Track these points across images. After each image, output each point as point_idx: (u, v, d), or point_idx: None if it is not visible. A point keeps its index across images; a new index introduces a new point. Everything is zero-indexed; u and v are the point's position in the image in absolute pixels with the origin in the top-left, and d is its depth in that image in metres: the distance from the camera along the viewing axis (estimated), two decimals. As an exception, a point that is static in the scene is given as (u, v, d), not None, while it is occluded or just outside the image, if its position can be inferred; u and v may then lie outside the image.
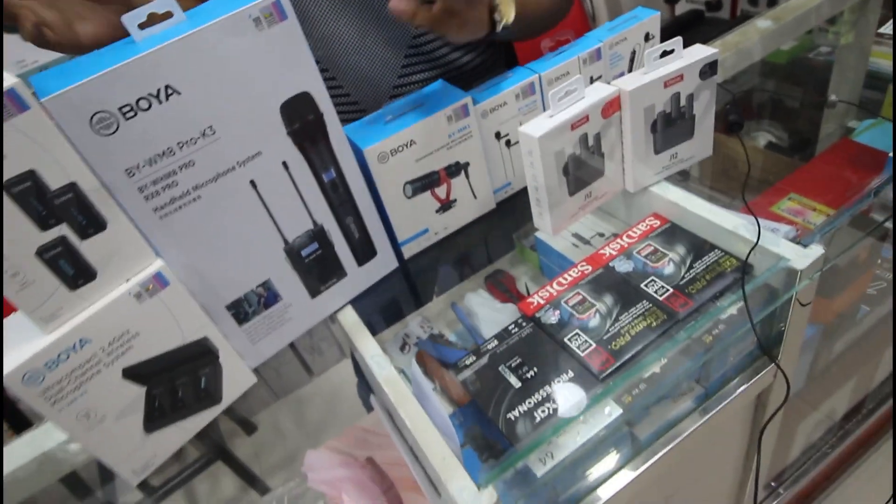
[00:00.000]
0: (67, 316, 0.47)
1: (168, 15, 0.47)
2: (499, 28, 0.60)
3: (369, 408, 0.86)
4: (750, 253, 0.58)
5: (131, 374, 0.51)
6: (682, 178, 1.05)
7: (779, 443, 0.88)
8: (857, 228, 0.80)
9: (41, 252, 0.44)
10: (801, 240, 0.59)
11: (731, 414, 0.67)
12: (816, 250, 0.57)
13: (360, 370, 0.91)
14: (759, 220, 0.67)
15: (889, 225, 0.84)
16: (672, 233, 0.67)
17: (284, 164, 0.55)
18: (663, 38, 0.65)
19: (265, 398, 1.95)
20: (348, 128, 0.63)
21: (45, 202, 0.43)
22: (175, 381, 0.54)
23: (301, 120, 0.54)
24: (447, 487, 0.47)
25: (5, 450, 0.68)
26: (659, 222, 0.69)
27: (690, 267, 0.62)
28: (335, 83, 0.75)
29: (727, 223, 0.62)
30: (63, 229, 0.44)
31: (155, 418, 0.54)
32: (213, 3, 0.49)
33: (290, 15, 0.49)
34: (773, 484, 0.99)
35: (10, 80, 0.39)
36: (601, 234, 0.78)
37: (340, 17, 0.69)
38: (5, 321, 0.48)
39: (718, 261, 0.62)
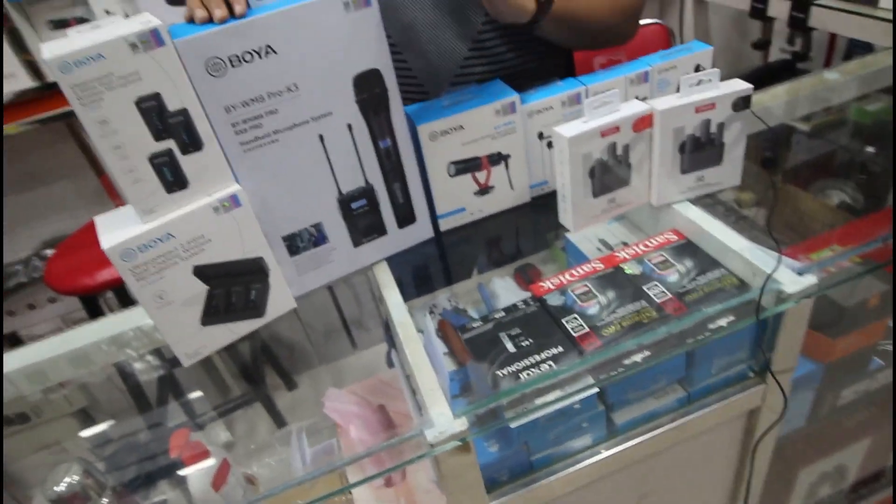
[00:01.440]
0: (161, 213, 0.59)
1: (280, -9, 0.59)
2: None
3: (390, 363, 0.95)
4: (770, 275, 0.61)
5: (199, 272, 0.63)
6: (728, 214, 1.09)
7: (778, 479, 0.89)
8: (882, 281, 0.81)
9: (152, 158, 0.56)
10: (801, 269, 0.63)
11: (717, 423, 0.71)
12: (809, 279, 0.61)
13: (388, 334, 1.01)
14: (785, 259, 0.71)
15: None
16: (685, 248, 0.72)
17: (349, 126, 0.66)
18: (755, 83, 0.69)
19: (310, 361, 2.10)
20: (409, 107, 0.73)
21: (163, 119, 0.55)
22: (231, 287, 0.66)
23: (369, 92, 0.65)
24: (429, 412, 0.56)
25: (101, 322, 0.83)
26: (676, 237, 0.74)
27: (694, 279, 0.67)
28: (405, 65, 0.86)
29: (734, 245, 0.67)
30: (171, 143, 0.57)
31: (210, 314, 0.66)
32: None
33: (373, 3, 0.60)
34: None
35: (154, 21, 0.52)
36: (626, 244, 0.84)
37: (419, 9, 0.80)
38: (117, 210, 0.61)
39: (720, 278, 0.67)
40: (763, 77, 1.70)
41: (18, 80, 1.40)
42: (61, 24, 1.39)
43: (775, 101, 1.10)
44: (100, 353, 0.91)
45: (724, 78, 0.69)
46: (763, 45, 1.58)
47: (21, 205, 1.77)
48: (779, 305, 0.61)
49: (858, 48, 1.54)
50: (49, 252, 1.69)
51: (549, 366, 0.62)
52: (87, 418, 1.63)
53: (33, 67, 1.40)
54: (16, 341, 1.80)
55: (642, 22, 1.56)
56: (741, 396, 0.69)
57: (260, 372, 1.88)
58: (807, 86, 1.07)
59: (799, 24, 1.35)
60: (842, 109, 1.18)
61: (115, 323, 0.85)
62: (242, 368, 1.75)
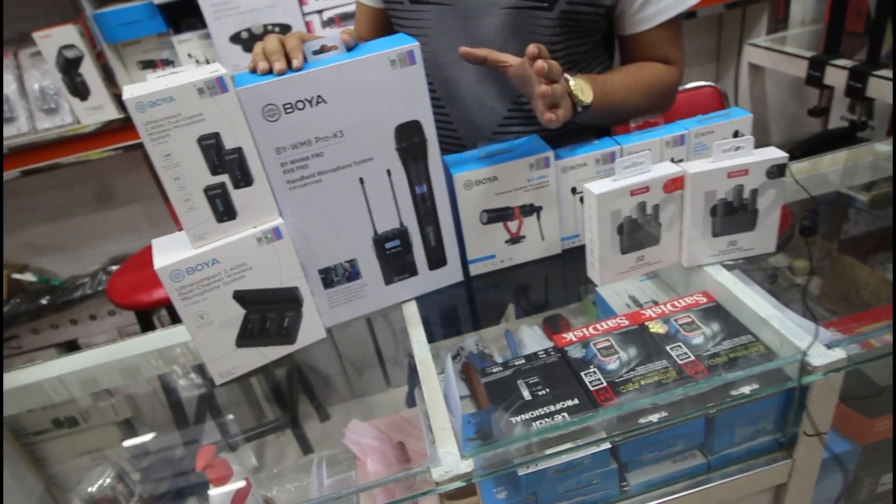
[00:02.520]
0: (210, 240, 0.64)
1: (334, 48, 0.65)
2: (579, 108, 0.71)
3: (410, 403, 0.97)
4: (809, 347, 0.60)
5: (239, 296, 0.68)
6: (771, 280, 1.07)
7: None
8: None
9: (207, 189, 0.62)
10: (830, 342, 0.62)
11: (739, 496, 0.68)
12: (837, 353, 0.59)
13: (411, 374, 1.03)
14: (808, 322, 0.70)
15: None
16: (713, 311, 0.72)
17: (388, 171, 0.70)
18: (808, 150, 0.71)
19: (344, 394, 2.13)
20: (447, 156, 0.77)
21: (220, 156, 0.61)
22: (266, 313, 0.70)
23: (409, 141, 0.69)
24: (438, 450, 0.57)
25: (150, 335, 0.89)
26: (705, 300, 0.74)
27: (719, 343, 0.67)
28: (447, 118, 0.90)
29: (763, 311, 0.66)
30: (225, 178, 0.63)
31: (245, 337, 0.70)
32: (370, 44, 0.67)
33: (418, 62, 0.65)
34: None
35: (222, 71, 0.59)
36: (655, 302, 0.84)
37: (464, 68, 0.85)
38: (173, 235, 0.67)
39: (746, 344, 0.66)
40: (821, 145, 1.66)
41: (106, 112, 1.55)
42: (149, 65, 1.54)
43: (830, 168, 1.09)
44: (148, 366, 0.98)
45: (778, 144, 0.70)
46: (820, 112, 1.56)
47: (95, 223, 1.92)
48: (804, 377, 0.59)
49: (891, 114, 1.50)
50: (114, 268, 1.82)
51: (563, 417, 0.62)
52: (130, 428, 1.71)
53: (120, 101, 1.54)
54: (75, 348, 1.93)
55: (696, 84, 1.58)
56: (766, 470, 0.67)
57: (294, 400, 1.92)
58: (865, 154, 1.05)
59: (856, 94, 1.33)
60: (885, 174, 1.15)
61: (164, 337, 0.91)
62: (278, 395, 1.80)
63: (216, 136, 0.61)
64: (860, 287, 1.16)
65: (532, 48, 0.64)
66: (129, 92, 0.57)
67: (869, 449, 0.75)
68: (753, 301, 0.68)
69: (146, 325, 1.41)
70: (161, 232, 0.64)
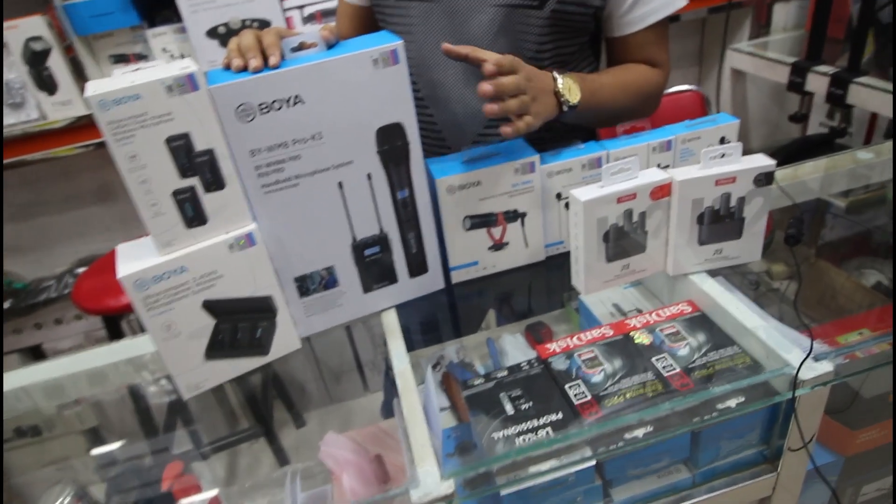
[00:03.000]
0: (178, 246, 0.61)
1: (314, 45, 0.63)
2: (565, 108, 0.70)
3: (386, 413, 0.94)
4: (802, 361, 0.59)
5: (209, 306, 0.64)
6: (753, 286, 1.06)
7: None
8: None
9: (176, 193, 0.59)
10: (817, 355, 0.61)
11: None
12: (825, 366, 0.58)
13: (387, 382, 1.00)
14: (793, 332, 0.69)
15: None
16: (699, 321, 0.70)
17: (369, 175, 0.67)
18: (787, 155, 0.71)
19: (321, 400, 2.09)
20: (430, 160, 0.75)
21: (190, 158, 0.58)
22: (238, 323, 0.67)
23: (390, 144, 0.66)
24: (417, 469, 0.54)
25: (120, 344, 0.85)
26: (690, 309, 0.72)
27: (704, 355, 0.65)
28: (431, 119, 0.88)
29: (749, 322, 0.65)
30: (195, 181, 0.59)
31: (215, 348, 0.67)
32: (352, 42, 0.64)
33: (402, 61, 0.63)
34: None
35: (192, 67, 0.55)
36: (640, 310, 0.83)
37: (450, 67, 0.83)
38: (139, 241, 0.64)
39: (732, 356, 0.65)
40: (800, 150, 1.68)
41: (74, 107, 1.49)
42: (121, 59, 1.49)
43: (811, 175, 1.09)
44: (116, 374, 0.93)
45: (758, 149, 0.69)
46: (801, 118, 1.57)
47: (63, 223, 1.85)
48: (795, 391, 0.58)
49: (892, 124, 1.51)
50: (81, 270, 1.76)
51: (547, 433, 0.60)
52: (97, 438, 1.65)
53: (90, 96, 1.48)
54: (39, 354, 1.85)
55: (679, 88, 1.58)
56: (751, 483, 0.66)
57: (269, 407, 1.87)
58: (847, 162, 1.06)
59: (837, 101, 1.34)
60: (881, 188, 1.16)
61: (132, 347, 0.87)
62: (252, 402, 1.76)
63: (186, 136, 0.57)
64: (836, 292, 1.17)
65: (489, 67, 0.65)
66: (91, 88, 0.54)
67: (851, 460, 0.74)
68: (739, 311, 0.67)
69: (114, 330, 1.36)
70: (133, 233, 0.60)
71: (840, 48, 1.49)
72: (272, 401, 1.95)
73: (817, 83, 1.41)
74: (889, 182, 1.13)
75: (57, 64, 1.44)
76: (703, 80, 1.98)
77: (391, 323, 0.75)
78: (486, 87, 0.65)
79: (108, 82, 0.55)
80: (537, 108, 0.70)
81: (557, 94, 0.73)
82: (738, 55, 1.69)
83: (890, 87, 1.27)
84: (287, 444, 1.87)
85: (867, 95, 1.29)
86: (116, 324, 1.37)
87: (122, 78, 0.55)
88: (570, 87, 0.73)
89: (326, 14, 1.50)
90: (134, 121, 0.55)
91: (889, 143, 1.02)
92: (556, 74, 0.73)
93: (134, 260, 0.60)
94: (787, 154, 1.62)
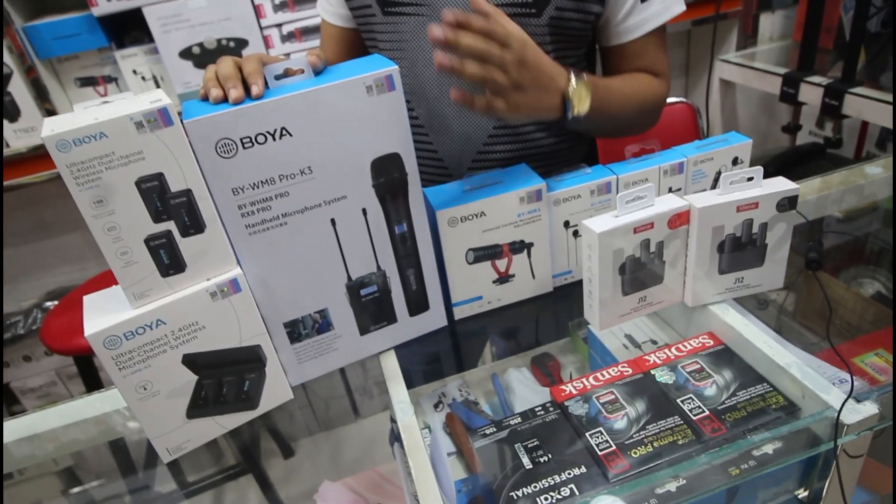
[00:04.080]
0: (153, 297, 0.54)
1: (300, 71, 0.57)
2: (569, 116, 0.65)
3: (393, 441, 0.88)
4: (843, 405, 0.54)
5: (189, 361, 0.58)
6: (761, 307, 1.02)
7: None
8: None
9: (149, 240, 0.52)
10: (857, 395, 0.56)
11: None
12: (869, 408, 0.54)
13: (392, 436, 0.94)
14: (829, 366, 0.64)
15: None
16: (723, 356, 0.66)
17: (364, 210, 0.62)
18: (780, 166, 0.67)
19: (310, 427, 2.01)
20: (429, 190, 0.69)
21: (164, 200, 0.52)
22: (223, 378, 0.60)
23: (387, 176, 0.61)
24: (432, 544, 0.48)
25: (70, 404, 0.77)
26: (712, 342, 0.68)
27: (734, 394, 0.61)
28: (427, 139, 0.83)
29: (780, 359, 0.60)
30: (170, 225, 0.53)
31: (198, 406, 0.60)
32: (342, 67, 0.58)
33: (398, 87, 0.57)
34: None
35: (165, 101, 0.49)
36: (654, 342, 0.78)
37: (446, 84, 0.78)
38: (108, 290, 0.57)
39: (764, 395, 0.60)
40: (792, 161, 1.66)
41: (39, 134, 1.40)
42: (89, 82, 1.41)
43: (822, 192, 1.05)
44: (94, 423, 0.85)
45: (750, 160, 0.65)
46: (793, 129, 1.56)
47: (30, 254, 1.75)
48: (840, 438, 0.53)
49: (892, 134, 1.51)
50: (51, 304, 1.66)
51: (571, 489, 0.54)
52: (73, 477, 1.55)
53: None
54: (7, 394, 1.75)
55: (669, 100, 1.55)
56: (788, 533, 0.61)
57: (255, 437, 1.79)
58: (855, 177, 1.03)
59: (832, 112, 1.33)
60: (874, 199, 1.13)
61: (115, 398, 0.79)
62: (237, 433, 1.67)
63: (159, 177, 0.51)
64: (836, 304, 1.14)
65: (448, 15, 0.57)
66: (48, 127, 0.47)
67: (887, 499, 0.70)
68: (769, 346, 0.62)
69: (87, 370, 1.27)
70: (105, 264, 0.53)
71: (829, 58, 1.48)
72: (258, 430, 1.87)
73: (811, 94, 1.40)
74: (884, 191, 1.10)
75: (18, 89, 1.35)
76: (690, 91, 1.97)
77: (391, 367, 0.69)
78: (435, 31, 0.57)
79: (69, 119, 0.49)
80: (522, 99, 0.63)
81: (565, 97, 0.66)
82: (727, 66, 1.68)
83: (885, 97, 1.25)
84: (275, 476, 1.79)
85: (863, 106, 1.27)
86: (89, 362, 1.28)
87: (85, 114, 0.49)
88: (580, 95, 0.66)
89: (306, 32, 1.45)
90: (99, 162, 0.48)
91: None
92: (573, 75, 0.66)
93: (103, 314, 0.54)
94: (780, 165, 1.60)
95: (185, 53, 1.34)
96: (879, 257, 1.25)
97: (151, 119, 0.49)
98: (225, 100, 0.53)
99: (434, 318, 0.72)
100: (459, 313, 0.74)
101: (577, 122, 0.68)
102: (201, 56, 1.36)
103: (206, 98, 0.54)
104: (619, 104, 0.76)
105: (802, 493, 0.62)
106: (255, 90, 0.53)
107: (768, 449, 0.57)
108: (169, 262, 0.54)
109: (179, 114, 0.51)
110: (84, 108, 0.50)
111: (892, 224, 1.03)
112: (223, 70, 0.54)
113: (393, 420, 0.98)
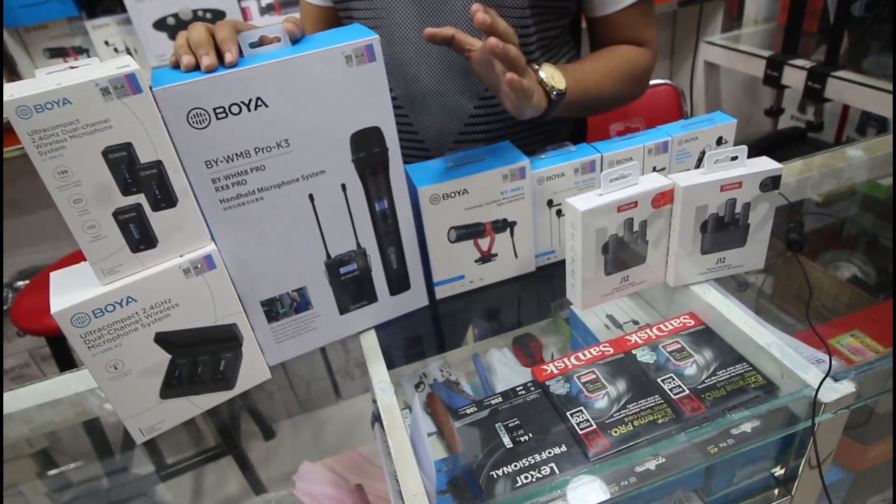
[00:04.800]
0: (123, 274, 0.53)
1: (276, 40, 0.55)
2: (553, 95, 0.65)
3: (375, 421, 0.87)
4: (821, 384, 0.54)
5: (162, 339, 0.56)
6: (741, 288, 1.03)
7: None
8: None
9: (118, 213, 0.50)
10: (836, 374, 0.56)
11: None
12: (847, 386, 0.54)
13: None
14: (806, 347, 0.65)
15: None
16: (703, 335, 0.66)
17: (343, 186, 0.60)
18: (762, 149, 0.66)
19: (291, 409, 2.00)
20: (410, 166, 0.68)
21: (133, 172, 0.49)
22: (198, 357, 0.59)
23: (367, 151, 0.59)
24: (410, 523, 0.48)
25: (45, 383, 0.75)
26: (693, 322, 0.68)
27: (713, 373, 0.61)
28: (407, 120, 0.81)
29: (760, 338, 0.60)
30: (140, 198, 0.51)
31: (172, 386, 0.59)
32: (320, 36, 0.56)
33: (378, 58, 0.55)
34: None
35: (133, 66, 0.47)
36: (636, 322, 0.78)
37: (425, 63, 0.76)
38: (76, 267, 0.55)
39: (743, 374, 0.60)
40: (774, 145, 1.67)
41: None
42: (59, 53, 1.36)
43: (804, 174, 1.05)
44: (69, 404, 0.83)
45: (734, 142, 0.64)
46: (776, 112, 1.56)
47: (3, 232, 1.70)
48: (817, 417, 0.54)
49: (872, 120, 1.52)
50: (22, 284, 1.62)
51: (551, 468, 0.54)
52: (48, 460, 1.52)
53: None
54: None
55: (653, 82, 1.54)
56: (763, 510, 0.62)
57: (235, 418, 1.77)
58: (836, 160, 1.03)
59: (815, 95, 1.33)
60: (853, 182, 1.14)
61: (85, 378, 0.77)
62: (216, 414, 1.65)
63: (128, 147, 0.49)
64: (813, 288, 1.15)
65: (481, 16, 0.54)
66: (9, 92, 0.45)
67: (861, 476, 0.71)
68: (749, 326, 0.62)
69: (60, 350, 1.24)
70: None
71: (813, 42, 1.48)
72: (238, 412, 1.85)
73: (794, 77, 1.40)
74: (862, 175, 1.11)
75: (-16, 59, 1.30)
76: (675, 73, 1.96)
77: (371, 347, 0.68)
78: (494, 41, 0.54)
79: (31, 84, 0.46)
80: (528, 83, 0.61)
81: (542, 84, 0.66)
82: (712, 48, 1.67)
83: (867, 81, 1.26)
84: (255, 458, 1.78)
85: (845, 89, 1.28)
86: (62, 342, 1.25)
87: (48, 79, 0.46)
88: (552, 75, 0.67)
89: (286, 4, 1.41)
90: (62, 130, 0.46)
91: (881, 139, 1.00)
92: (535, 66, 0.67)
93: (70, 291, 0.52)
94: (762, 148, 1.60)
95: (160, 24, 1.29)
96: (856, 241, 1.26)
97: (118, 85, 0.46)
98: (197, 67, 0.51)
99: (416, 298, 0.71)
100: (441, 293, 0.73)
101: (560, 101, 0.67)
102: (176, 27, 1.31)
103: (177, 66, 0.52)
104: (597, 81, 0.75)
105: (779, 471, 0.62)
106: (228, 58, 0.50)
107: (747, 427, 0.57)
108: (139, 236, 0.52)
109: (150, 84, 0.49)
110: (47, 74, 0.48)
111: (893, 206, 1.03)
112: (195, 36, 0.52)
113: (374, 400, 0.98)
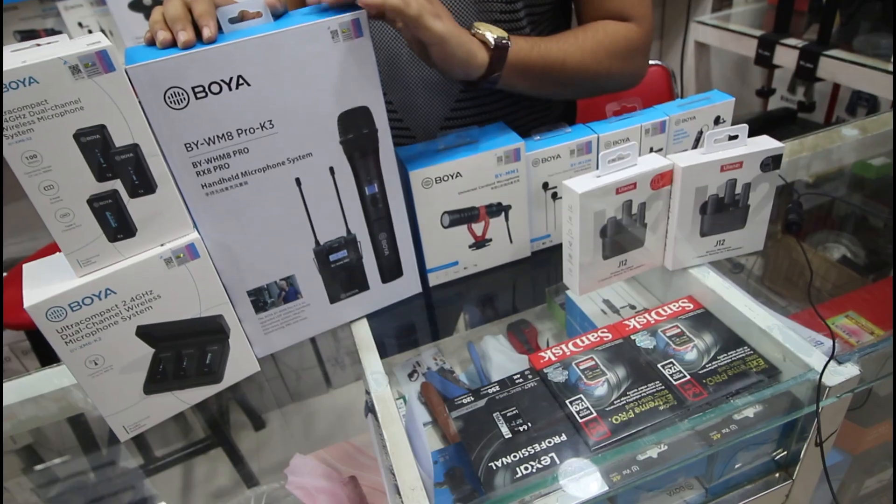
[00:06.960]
0: (101, 265, 0.50)
1: (258, 15, 0.52)
2: (493, 42, 0.60)
3: (368, 411, 0.85)
4: (825, 367, 0.53)
5: (144, 333, 0.53)
6: (735, 270, 1.02)
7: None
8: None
9: (92, 200, 0.47)
10: (838, 356, 0.55)
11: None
12: (851, 370, 0.53)
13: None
14: (806, 329, 0.64)
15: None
16: (703, 319, 0.64)
17: (331, 169, 0.57)
18: (752, 131, 0.63)
19: (281, 399, 1.98)
20: (401, 149, 0.65)
21: (107, 156, 0.47)
22: (182, 350, 0.56)
23: (356, 132, 0.57)
24: (408, 518, 0.46)
25: (27, 378, 0.72)
26: (692, 306, 0.66)
27: (714, 358, 0.59)
28: (390, 107, 0.77)
29: (761, 321, 0.59)
30: (116, 184, 0.48)
31: (156, 381, 0.56)
32: (304, 11, 0.53)
33: (365, 34, 0.53)
34: None
35: (104, 42, 0.44)
36: (633, 307, 0.76)
37: (405, 41, 0.73)
38: (51, 258, 0.52)
39: (745, 358, 0.59)
40: (765, 125, 1.66)
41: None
42: (30, 35, 1.30)
43: (800, 154, 1.04)
44: (53, 399, 0.80)
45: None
46: (768, 93, 1.55)
47: (-25, 223, 1.65)
48: (821, 401, 0.53)
49: (862, 100, 1.51)
50: (-1, 276, 1.57)
51: (552, 458, 0.53)
52: (34, 455, 1.49)
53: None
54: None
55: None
56: (765, 494, 0.61)
57: (224, 409, 1.75)
58: (832, 139, 1.02)
59: (807, 75, 1.32)
60: (843, 162, 1.14)
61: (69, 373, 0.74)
62: (205, 406, 1.62)
63: (101, 129, 0.46)
64: (803, 268, 1.15)
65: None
66: (-31, 70, 0.42)
67: (859, 458, 0.71)
68: (750, 309, 0.61)
69: (40, 344, 1.20)
70: None
71: (804, 21, 1.46)
72: (228, 403, 1.83)
73: (786, 57, 1.38)
74: (853, 155, 1.10)
75: (-48, 42, 1.25)
76: (665, 54, 1.94)
77: (364, 336, 0.66)
78: None
79: (-6, 62, 0.43)
80: (446, 27, 0.56)
81: (476, 36, 0.61)
82: (703, 28, 1.65)
83: (859, 59, 1.24)
84: (246, 449, 1.76)
85: (837, 69, 1.27)
86: (43, 337, 1.22)
87: (13, 57, 0.43)
88: (489, 28, 0.62)
89: (268, -16, 1.36)
90: (30, 112, 0.43)
91: (874, 119, 0.99)
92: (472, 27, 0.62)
93: (45, 284, 0.49)
94: (752, 129, 1.59)
95: (136, 5, 1.24)
96: (844, 221, 1.26)
97: (89, 63, 0.43)
98: (173, 44, 0.48)
99: (408, 285, 0.69)
100: (434, 279, 0.71)
101: (503, 59, 0.62)
102: (153, 7, 1.26)
103: (152, 43, 0.49)
104: (561, 49, 0.68)
105: (780, 455, 0.61)
106: (206, 33, 0.47)
107: (749, 413, 0.56)
108: (117, 225, 0.49)
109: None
110: (12, 52, 0.44)
111: (893, 186, 1.02)
112: (171, 11, 0.49)
113: (367, 391, 0.96)
